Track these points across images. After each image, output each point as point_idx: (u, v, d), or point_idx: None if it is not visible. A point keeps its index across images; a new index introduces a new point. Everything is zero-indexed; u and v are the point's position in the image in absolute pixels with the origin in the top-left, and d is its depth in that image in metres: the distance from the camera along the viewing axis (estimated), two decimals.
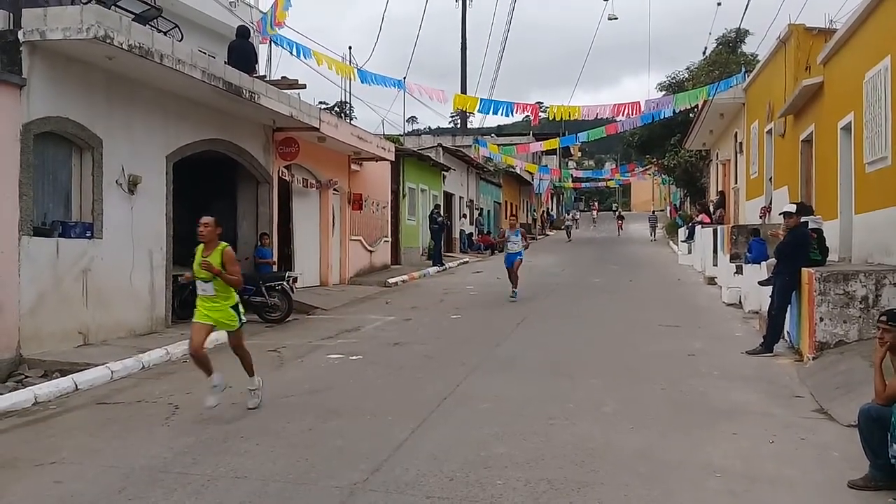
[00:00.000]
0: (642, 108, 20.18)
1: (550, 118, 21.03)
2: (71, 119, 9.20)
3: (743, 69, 22.56)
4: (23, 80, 8.34)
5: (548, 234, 50.06)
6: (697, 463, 5.32)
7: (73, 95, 9.23)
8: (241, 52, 12.74)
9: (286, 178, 15.07)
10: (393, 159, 19.77)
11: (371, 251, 20.50)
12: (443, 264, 23.53)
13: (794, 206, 9.39)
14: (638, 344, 10.20)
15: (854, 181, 10.97)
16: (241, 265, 12.04)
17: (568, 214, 50.30)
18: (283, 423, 6.37)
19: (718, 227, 18.66)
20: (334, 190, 17.77)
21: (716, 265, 19.01)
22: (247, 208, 14.36)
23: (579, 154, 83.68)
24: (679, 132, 37.74)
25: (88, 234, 9.54)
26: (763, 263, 12.92)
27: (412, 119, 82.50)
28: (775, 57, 17.61)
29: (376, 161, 19.45)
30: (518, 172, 43.67)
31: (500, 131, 55.91)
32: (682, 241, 25.93)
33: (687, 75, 39.69)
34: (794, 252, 9.03)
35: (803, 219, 9.70)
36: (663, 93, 38.11)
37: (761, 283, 10.04)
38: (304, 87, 14.18)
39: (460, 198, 31.92)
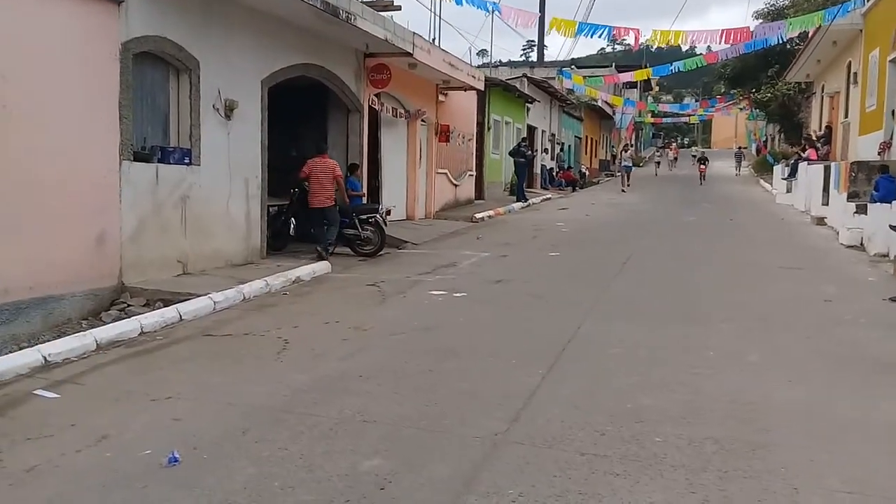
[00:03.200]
0: (752, 34, 18.66)
1: (653, 45, 19.71)
2: (169, 39, 8.78)
3: None
4: None
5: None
6: (879, 422, 4.66)
7: (170, 14, 8.79)
8: None
9: (376, 106, 14.51)
10: (482, 88, 18.97)
11: (456, 185, 19.93)
12: (526, 200, 22.82)
13: None
14: (761, 287, 9.43)
15: None
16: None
17: (659, 151, 48.32)
18: (401, 363, 5.96)
19: (832, 164, 17.38)
20: (422, 121, 17.17)
21: (826, 204, 17.80)
22: (337, 138, 13.89)
23: (657, 88, 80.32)
24: (778, 63, 35.58)
25: (187, 160, 9.23)
26: (894, 203, 11.87)
27: (482, 52, 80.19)
28: None
29: (465, 91, 18.69)
30: (601, 105, 42.14)
31: (574, 64, 53.96)
32: (783, 179, 24.43)
33: (787, 2, 37.16)
34: None
35: None
36: (760, 21, 35.77)
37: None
38: (399, 8, 13.47)
39: (542, 132, 30.88)
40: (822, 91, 27.69)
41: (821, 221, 17.23)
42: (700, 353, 6.24)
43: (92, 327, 7.34)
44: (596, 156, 47.33)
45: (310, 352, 6.34)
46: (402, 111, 15.99)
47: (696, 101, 74.36)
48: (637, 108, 42.70)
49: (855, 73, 21.38)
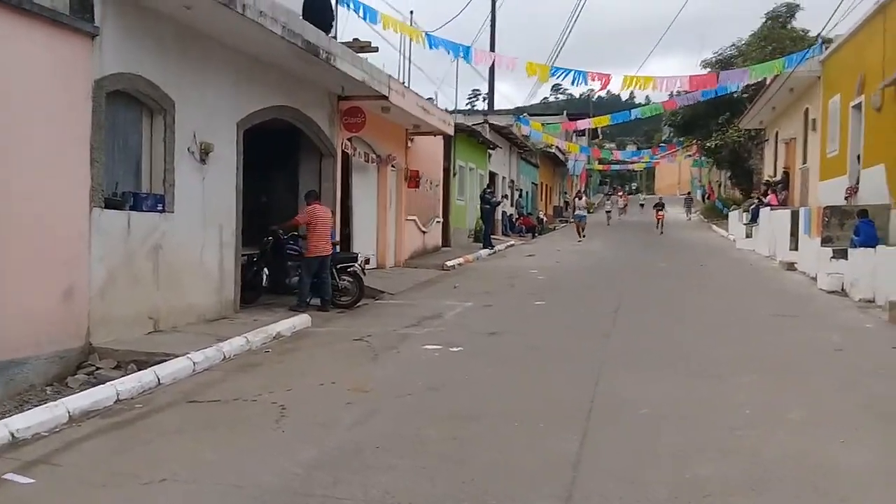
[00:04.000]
0: (717, 80, 18.86)
1: (624, 88, 19.77)
2: (143, 77, 8.19)
3: (820, 41, 21.15)
4: (96, 28, 7.32)
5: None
6: None
7: (146, 50, 8.22)
8: (319, 9, 11.62)
9: (349, 151, 14.04)
10: (452, 133, 18.69)
11: (424, 232, 19.49)
12: (493, 247, 22.46)
13: None
14: (765, 337, 9.12)
15: None
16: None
17: (608, 199, 48.31)
18: (417, 430, 5.38)
19: (800, 209, 17.46)
20: (392, 166, 16.74)
21: (794, 249, 17.83)
22: (309, 184, 13.29)
23: (601, 137, 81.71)
24: (728, 111, 36.41)
25: (160, 206, 8.57)
26: (878, 248, 11.83)
27: (430, 99, 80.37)
28: (870, 24, 16.32)
29: (435, 136, 18.39)
30: (556, 153, 42.48)
31: (521, 112, 54.39)
32: (744, 224, 24.61)
33: (735, 52, 38.21)
34: None
35: None
36: (708, 70, 36.62)
37: None
38: (376, 49, 13.16)
39: (503, 178, 30.79)
40: (777, 137, 28.24)
41: (791, 267, 17.22)
42: (736, 411, 5.81)
43: (59, 394, 6.62)
44: (550, 202, 47.58)
45: (312, 419, 5.71)
46: (374, 156, 15.56)
47: (639, 148, 75.80)
48: (592, 154, 43.13)
49: (814, 120, 21.77)
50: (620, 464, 4.65)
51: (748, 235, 25.19)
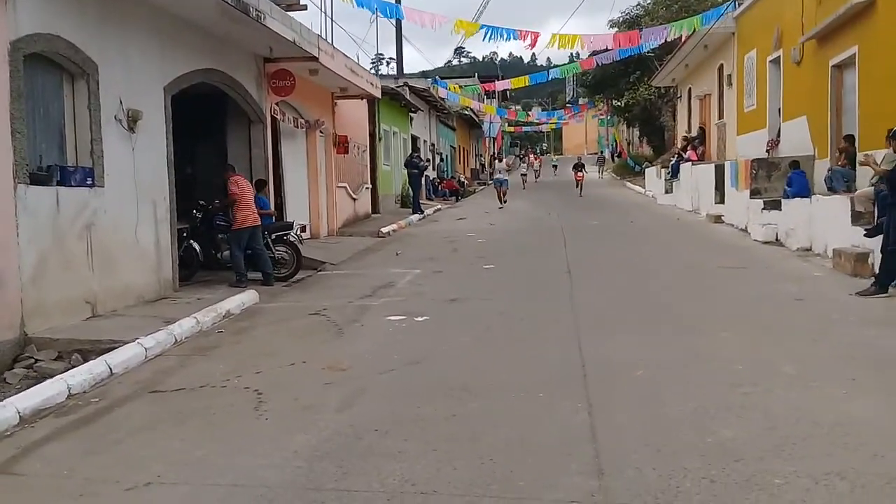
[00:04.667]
0: (640, 38, 18.92)
1: (551, 46, 19.54)
2: (63, 38, 7.38)
3: None
4: None
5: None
6: None
7: (64, 9, 7.41)
8: None
9: (277, 116, 13.34)
10: (379, 96, 18.10)
11: (355, 199, 18.95)
12: (422, 212, 22.12)
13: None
14: (722, 289, 9.19)
15: None
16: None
17: (522, 161, 48.40)
18: (413, 409, 5.04)
19: (726, 163, 17.81)
20: (320, 132, 16.08)
21: (720, 202, 18.23)
22: (238, 151, 12.60)
23: (508, 99, 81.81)
24: (638, 70, 36.91)
25: (89, 181, 7.82)
26: (814, 198, 12.10)
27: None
28: None
29: (361, 99, 17.78)
30: (472, 115, 42.28)
31: (424, 75, 53.56)
32: (666, 180, 25.04)
33: (641, 11, 38.66)
34: None
35: None
36: (615, 29, 36.95)
37: (868, 234, 8.86)
38: (304, 7, 12.38)
39: (424, 141, 30.35)
40: (690, 94, 28.80)
41: (718, 219, 17.59)
42: (729, 368, 5.72)
43: None
44: (468, 165, 47.46)
45: (294, 403, 5.29)
46: (302, 121, 14.87)
47: (544, 109, 76.39)
48: (508, 115, 43.10)
49: (729, 75, 22.21)
50: (638, 431, 4.45)
51: (668, 191, 25.67)
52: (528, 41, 17.60)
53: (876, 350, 6.14)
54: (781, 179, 15.44)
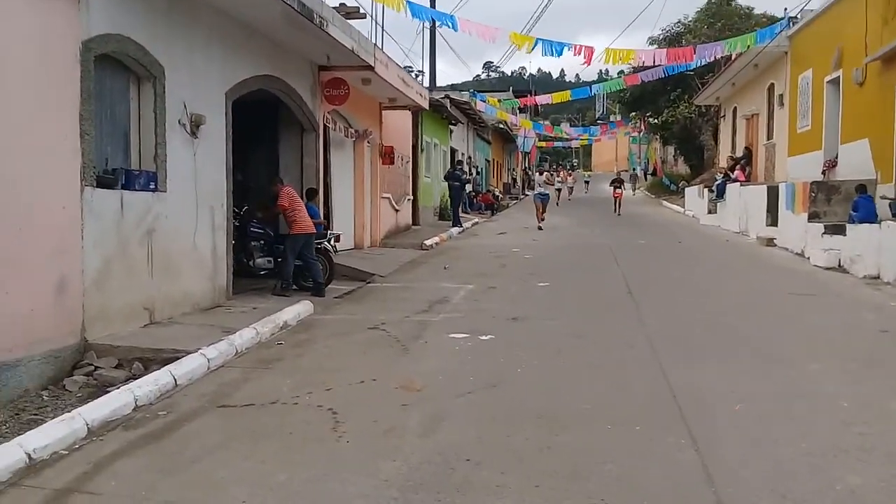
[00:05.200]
0: (694, 54, 18.58)
1: (607, 61, 19.31)
2: (133, 39, 7.22)
3: (786, 16, 21.09)
4: None
5: (526, 195, 48.44)
6: None
7: (134, 10, 7.25)
8: None
9: (329, 125, 13.17)
10: (427, 107, 17.91)
11: (397, 210, 18.73)
12: (461, 225, 21.86)
13: None
14: (794, 316, 8.81)
15: None
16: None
17: (557, 175, 47.86)
18: (502, 437, 4.73)
19: (781, 185, 17.31)
20: (367, 142, 15.89)
21: (772, 225, 17.74)
22: (290, 160, 12.43)
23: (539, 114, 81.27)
24: (679, 87, 36.43)
25: (152, 185, 7.64)
26: (884, 224, 11.64)
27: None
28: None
29: (409, 110, 17.59)
30: (507, 129, 42.04)
31: (452, 88, 53.29)
32: (711, 200, 24.54)
33: (682, 29, 38.29)
34: None
35: None
36: (655, 46, 36.53)
37: None
38: (364, 16, 12.26)
39: (462, 154, 30.13)
40: (735, 113, 28.30)
41: (770, 242, 17.11)
42: (833, 404, 5.36)
43: (57, 399, 5.80)
44: (501, 178, 47.20)
45: (373, 426, 5.00)
46: (352, 131, 14.70)
47: (572, 125, 75.76)
48: (545, 130, 42.80)
49: (780, 95, 21.75)
50: (755, 474, 4.11)
51: (711, 211, 25.19)
52: (583, 56, 17.31)
53: None
54: (842, 203, 14.98)
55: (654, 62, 19.25)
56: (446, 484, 4.02)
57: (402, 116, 19.11)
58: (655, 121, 43.15)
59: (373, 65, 12.38)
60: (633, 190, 49.30)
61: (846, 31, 16.62)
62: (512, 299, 10.08)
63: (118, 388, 5.68)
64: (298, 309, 8.81)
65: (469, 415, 5.22)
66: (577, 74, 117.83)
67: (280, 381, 6.14)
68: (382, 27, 33.00)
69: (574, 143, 77.22)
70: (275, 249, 10.73)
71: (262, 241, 10.74)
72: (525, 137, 47.24)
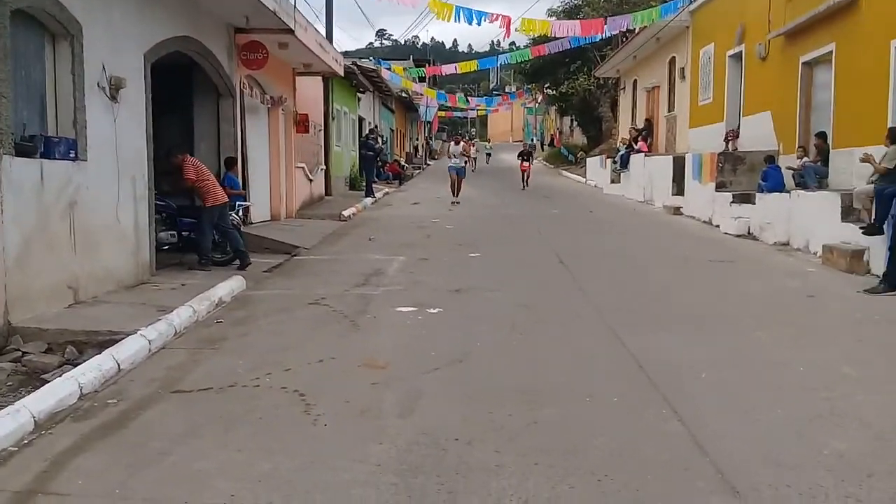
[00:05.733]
0: (605, 26, 18.85)
1: (521, 30, 19.26)
2: None
3: None
4: None
5: (428, 164, 48.45)
6: None
7: None
8: None
9: (246, 90, 12.56)
10: (343, 74, 17.40)
11: (311, 180, 18.21)
12: (374, 196, 21.54)
13: None
14: (722, 283, 9.14)
15: None
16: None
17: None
18: (484, 414, 4.62)
19: (689, 155, 17.87)
20: (282, 109, 15.30)
21: (678, 194, 18.33)
22: (206, 127, 11.81)
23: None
24: (578, 60, 36.97)
25: (72, 153, 7.02)
26: (793, 193, 12.18)
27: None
28: None
29: (321, 77, 17.03)
30: (409, 98, 41.69)
31: (345, 55, 52.03)
32: (615, 170, 25.12)
33: (580, 2, 38.72)
34: None
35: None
36: (553, 18, 36.95)
37: (867, 233, 8.88)
38: None
39: (368, 123, 29.63)
40: (635, 86, 29.03)
41: (676, 211, 17.71)
42: (789, 370, 5.54)
43: None
44: (404, 148, 46.87)
45: (348, 407, 4.79)
46: (268, 97, 14.09)
47: (466, 96, 76.25)
48: (448, 100, 42.70)
49: (682, 69, 22.43)
50: (744, 442, 4.16)
51: (614, 181, 25.83)
52: (500, 24, 17.22)
53: None
54: (747, 174, 15.63)
55: (566, 33, 19.33)
56: (442, 466, 3.88)
57: (314, 83, 18.52)
58: (554, 92, 43.70)
59: (293, 28, 11.85)
60: (530, 160, 50.01)
61: (749, 7, 17.22)
62: (447, 271, 9.98)
63: (60, 374, 5.21)
64: (231, 285, 8.39)
65: (443, 392, 5.08)
66: (469, 45, 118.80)
67: (232, 362, 5.80)
68: None
69: (471, 114, 77.44)
70: (178, 222, 10.08)
71: (163, 214, 10.04)
72: (427, 107, 47.05)
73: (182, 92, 11.69)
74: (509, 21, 17.37)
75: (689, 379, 5.30)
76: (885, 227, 8.54)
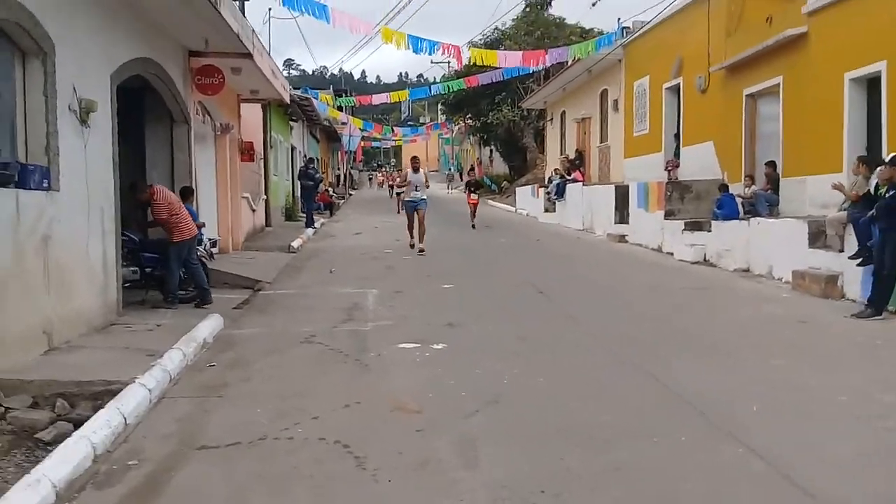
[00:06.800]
0: (545, 58, 19.04)
1: (473, 61, 19.17)
2: (25, 6, 5.96)
3: (620, 26, 22.18)
4: None
5: (351, 194, 48.24)
6: None
7: None
8: None
9: (200, 117, 11.94)
10: (289, 101, 16.87)
11: (254, 211, 17.51)
12: (315, 226, 20.96)
13: (892, 156, 8.53)
14: (711, 310, 9.13)
15: (888, 133, 10.53)
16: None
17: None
18: (555, 462, 4.30)
19: (634, 184, 18.07)
20: (229, 137, 14.65)
21: (622, 223, 18.51)
22: (159, 155, 11.09)
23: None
24: (503, 91, 37.39)
25: (45, 183, 6.37)
26: (755, 219, 12.42)
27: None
28: (690, 12, 17.26)
29: (266, 103, 16.48)
30: (333, 127, 41.18)
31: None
32: (551, 200, 25.25)
33: (499, 35, 39.23)
34: None
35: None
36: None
37: (861, 264, 9.03)
38: None
39: (300, 152, 29.00)
40: (564, 117, 29.53)
41: (621, 239, 17.87)
42: (829, 398, 5.46)
43: None
44: (327, 178, 46.15)
45: (402, 459, 4.36)
46: (218, 125, 13.47)
47: (392, 126, 76.47)
48: (374, 130, 42.34)
49: (615, 100, 22.92)
50: (842, 481, 4.00)
51: (548, 210, 26.03)
52: (452, 55, 17.12)
53: None
54: (694, 201, 15.96)
55: (508, 63, 19.44)
56: None
57: (255, 111, 17.91)
58: (476, 123, 44.12)
59: (251, 52, 11.35)
60: (449, 189, 50.74)
61: (686, 42, 17.73)
62: (428, 303, 9.62)
63: (55, 433, 4.61)
64: (211, 324, 7.79)
65: (497, 438, 4.73)
66: (377, 76, 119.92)
67: (248, 411, 5.28)
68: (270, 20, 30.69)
69: (385, 144, 77.39)
70: (140, 257, 9.39)
71: (125, 249, 9.36)
72: (351, 136, 46.54)
73: (133, 118, 10.94)
74: (459, 50, 17.32)
75: (741, 412, 5.14)
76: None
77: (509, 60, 18.90)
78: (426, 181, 15.39)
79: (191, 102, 11.32)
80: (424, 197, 15.30)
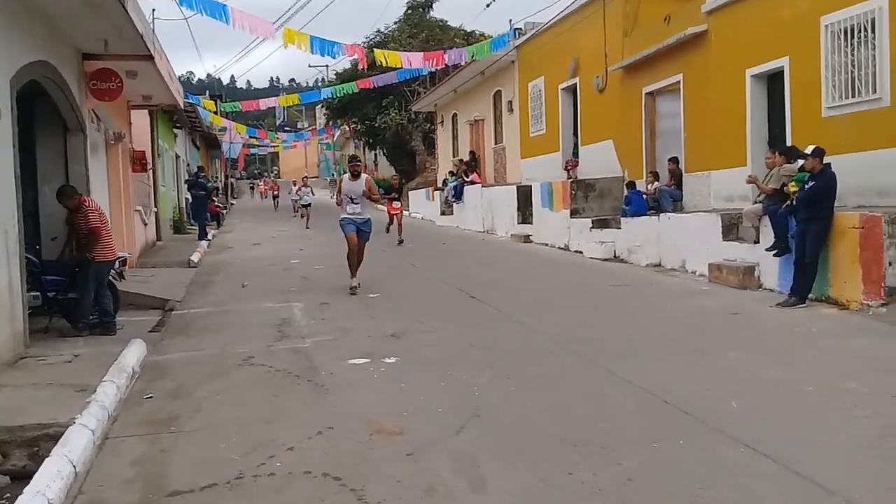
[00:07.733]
0: (444, 59, 18.95)
1: (379, 62, 18.70)
2: None
3: (512, 27, 22.41)
4: None
5: (232, 203, 46.66)
6: None
7: None
8: None
9: (95, 125, 11.04)
10: (182, 106, 15.93)
11: (146, 224, 16.44)
12: (208, 238, 19.98)
13: (814, 147, 8.91)
14: (643, 307, 9.26)
15: (791, 126, 11.04)
16: (52, 248, 8.63)
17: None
18: (563, 475, 4.12)
19: (538, 184, 18.22)
20: (120, 146, 13.67)
21: (525, 223, 18.65)
22: (51, 167, 10.11)
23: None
24: (391, 95, 37.12)
25: None
26: (669, 215, 12.76)
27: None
28: (585, 12, 17.60)
29: (155, 109, 15.52)
30: (213, 134, 39.68)
31: None
32: (450, 202, 25.19)
33: (382, 38, 38.98)
34: (827, 195, 8.66)
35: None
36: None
37: (778, 254, 9.37)
38: None
39: (183, 160, 27.66)
40: (456, 119, 29.61)
41: (526, 239, 18.03)
42: (799, 389, 5.57)
43: None
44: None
45: (403, 487, 4.04)
46: (111, 133, 12.51)
47: (272, 132, 74.83)
48: (259, 135, 41.06)
49: (510, 102, 23.14)
50: (854, 477, 4.01)
51: (444, 213, 26.03)
52: (356, 56, 16.70)
53: (886, 363, 6.39)
54: (598, 199, 16.31)
55: (410, 64, 19.23)
56: None
57: (143, 118, 16.85)
58: (361, 127, 43.63)
59: (153, 54, 10.58)
60: (333, 195, 50.03)
61: (582, 43, 18.07)
62: (361, 314, 9.26)
63: (22, 492, 3.98)
64: (136, 351, 7.13)
65: (494, 455, 4.48)
66: (248, 81, 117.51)
67: (212, 446, 4.80)
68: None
69: (264, 151, 75.57)
70: (41, 281, 8.54)
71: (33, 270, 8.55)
72: (231, 143, 45.02)
73: (22, 127, 9.94)
74: (362, 52, 16.92)
75: (723, 409, 5.13)
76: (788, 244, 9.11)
77: (412, 61, 18.62)
78: (371, 191, 11.05)
79: (86, 109, 10.43)
80: (368, 217, 11.28)
